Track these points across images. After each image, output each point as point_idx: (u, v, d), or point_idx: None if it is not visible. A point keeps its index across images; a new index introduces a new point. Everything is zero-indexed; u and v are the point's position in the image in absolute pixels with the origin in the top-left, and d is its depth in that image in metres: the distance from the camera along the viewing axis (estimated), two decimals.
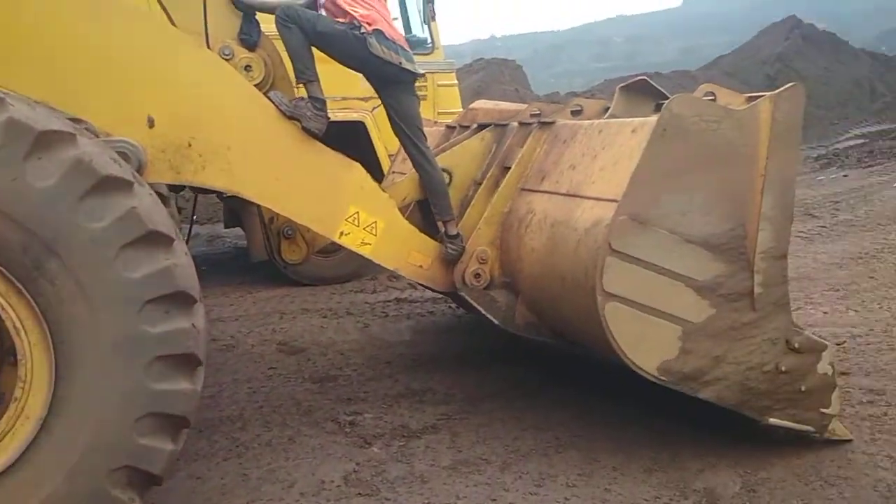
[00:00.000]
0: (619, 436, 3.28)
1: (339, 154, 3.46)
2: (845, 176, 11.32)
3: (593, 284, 2.78)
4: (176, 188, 5.12)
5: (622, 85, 3.63)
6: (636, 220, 2.77)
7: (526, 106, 4.31)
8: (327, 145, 3.47)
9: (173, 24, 3.48)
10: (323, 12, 3.58)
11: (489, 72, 18.06)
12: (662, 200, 2.80)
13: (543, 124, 3.60)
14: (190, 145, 3.12)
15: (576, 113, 3.91)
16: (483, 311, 3.54)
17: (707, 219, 2.85)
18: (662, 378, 2.85)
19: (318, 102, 3.40)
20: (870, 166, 11.85)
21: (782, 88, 2.89)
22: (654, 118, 2.90)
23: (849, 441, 3.08)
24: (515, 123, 3.85)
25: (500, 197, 3.56)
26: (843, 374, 3.75)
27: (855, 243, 7.06)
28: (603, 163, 3.03)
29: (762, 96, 2.92)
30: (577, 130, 3.35)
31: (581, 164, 3.18)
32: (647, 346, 2.83)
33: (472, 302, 3.57)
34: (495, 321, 3.53)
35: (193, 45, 3.25)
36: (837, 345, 4.27)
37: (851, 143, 14.76)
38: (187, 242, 3.58)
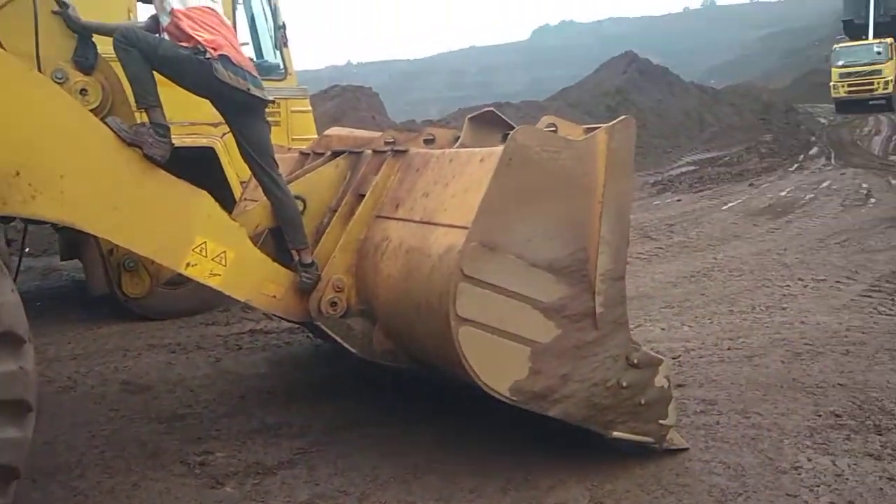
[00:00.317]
0: (476, 457, 3.34)
1: (184, 182, 3.33)
2: (678, 200, 12.25)
3: (447, 309, 2.83)
4: (5, 219, 4.74)
5: (471, 116, 3.75)
6: (486, 247, 2.85)
7: (380, 134, 4.34)
8: (173, 173, 3.34)
9: (1, 46, 3.25)
10: (165, 36, 3.46)
11: (346, 98, 18.10)
12: (510, 227, 2.90)
13: (397, 152, 3.65)
14: (18, 174, 2.91)
15: (428, 141, 3.99)
16: (340, 340, 3.51)
17: (551, 244, 2.99)
18: (514, 398, 2.94)
19: (161, 128, 3.28)
20: (700, 191, 12.89)
21: (616, 121, 3.09)
22: (500, 148, 3.02)
23: (686, 450, 3.30)
24: (370, 151, 3.87)
25: (356, 224, 3.56)
26: (679, 386, 4.02)
27: (688, 263, 7.63)
28: (454, 191, 3.12)
29: (598, 128, 3.11)
30: (429, 159, 3.42)
31: (433, 191, 3.24)
32: (498, 368, 2.91)
33: (328, 331, 3.53)
34: (353, 349, 3.51)
35: (21, 67, 3.03)
36: (673, 358, 4.58)
37: (683, 169, 16.02)
38: (16, 278, 3.32)
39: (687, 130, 20.52)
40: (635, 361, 3.19)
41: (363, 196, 3.64)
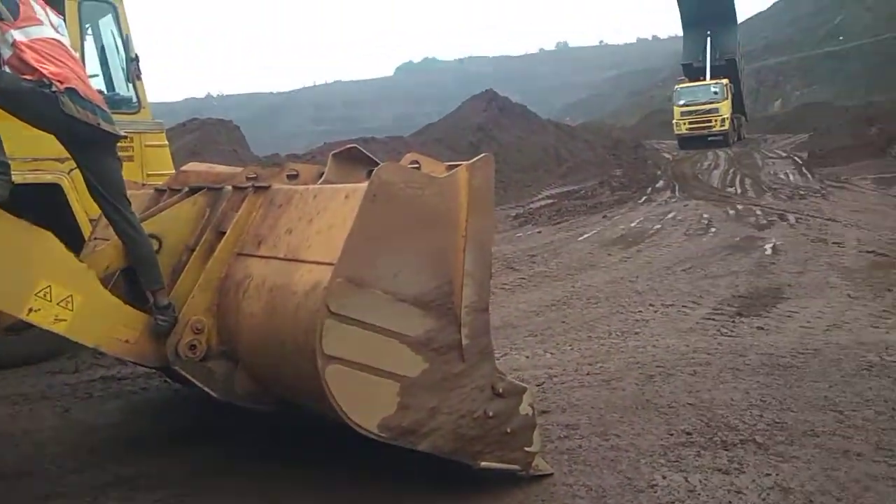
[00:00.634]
0: (346, 497, 3.28)
1: (24, 222, 3.12)
2: (539, 232, 12.73)
3: (313, 347, 2.79)
4: None
5: (335, 152, 3.76)
6: (352, 282, 2.85)
7: (241, 169, 4.25)
8: (15, 212, 3.12)
9: None
10: (7, 69, 3.24)
11: (205, 132, 17.58)
12: (376, 262, 2.92)
13: (259, 188, 3.58)
14: None
15: (292, 177, 3.95)
16: (201, 385, 3.37)
17: (417, 278, 3.03)
18: (383, 435, 2.92)
19: (0, 166, 3.05)
20: (558, 223, 13.46)
21: (476, 159, 3.19)
22: (364, 185, 3.04)
23: (550, 475, 3.40)
24: (230, 187, 3.78)
25: (216, 262, 3.45)
26: (543, 412, 4.15)
27: (549, 292, 7.92)
28: (319, 227, 3.10)
29: (460, 165, 3.20)
30: (293, 195, 3.39)
31: (298, 228, 3.21)
32: (367, 405, 2.89)
33: (187, 376, 3.38)
34: (214, 393, 3.38)
35: None
36: (537, 385, 4.73)
37: (543, 202, 16.68)
38: None
39: (545, 165, 21.47)
40: (500, 391, 3.26)
41: (223, 233, 3.54)
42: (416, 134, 20.69)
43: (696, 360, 5.19)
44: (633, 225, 12.55)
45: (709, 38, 34.77)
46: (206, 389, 3.37)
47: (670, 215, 13.63)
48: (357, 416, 2.87)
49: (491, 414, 3.18)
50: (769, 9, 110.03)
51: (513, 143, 16.75)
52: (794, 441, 3.73)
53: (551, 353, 5.60)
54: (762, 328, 6.10)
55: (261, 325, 3.14)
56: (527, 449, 3.32)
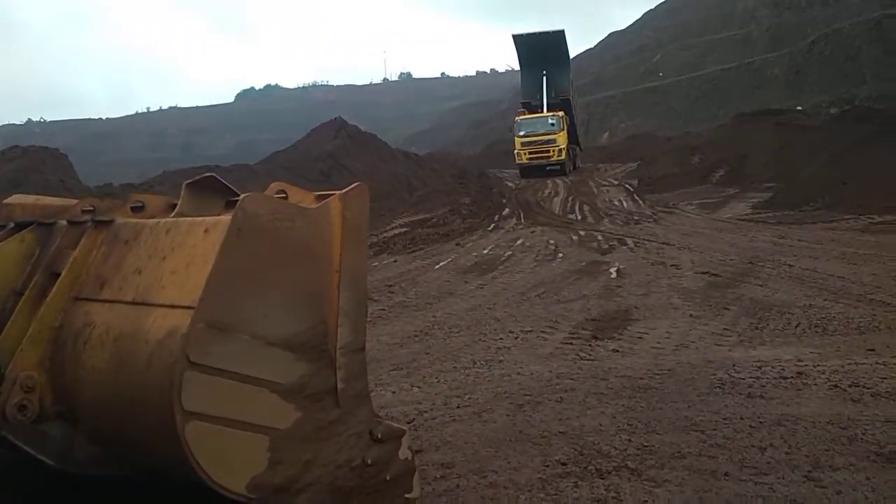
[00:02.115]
0: None
1: None
2: (395, 261, 12.62)
3: (170, 403, 2.46)
4: None
5: (189, 182, 3.42)
6: (215, 327, 2.55)
7: (76, 201, 3.79)
8: None
9: None
10: None
11: (28, 160, 16.09)
12: (242, 304, 2.64)
13: (100, 223, 3.18)
14: None
15: (137, 209, 3.56)
16: (33, 452, 2.90)
17: (288, 319, 2.78)
18: (252, 496, 2.63)
19: None
20: (413, 252, 13.43)
21: (349, 188, 3.00)
22: (227, 217, 2.76)
23: None
24: (64, 222, 3.34)
25: (49, 309, 3.01)
26: (417, 451, 3.97)
27: (410, 322, 7.80)
28: (174, 265, 2.77)
29: (332, 195, 2.99)
30: (141, 230, 3.03)
31: (148, 267, 2.86)
32: (233, 465, 2.59)
33: (16, 441, 2.90)
34: (49, 461, 2.92)
35: None
36: (408, 423, 4.55)
37: (397, 231, 16.64)
38: None
39: (397, 194, 21.50)
40: (379, 435, 3.05)
41: (58, 275, 3.11)
42: (264, 162, 20.04)
43: (561, 386, 5.24)
44: (485, 252, 12.75)
45: (545, 78, 36.71)
46: (39, 457, 2.91)
47: (519, 242, 14.00)
48: (222, 477, 2.56)
49: (370, 461, 2.97)
50: (595, 46, 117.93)
51: (364, 171, 16.63)
52: (665, 464, 3.79)
53: (418, 387, 5.46)
54: (617, 350, 6.29)
55: (106, 381, 2.76)
56: (407, 496, 3.12)
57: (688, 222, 16.13)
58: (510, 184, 29.55)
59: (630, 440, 4.14)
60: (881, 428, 4.12)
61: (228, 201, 3.54)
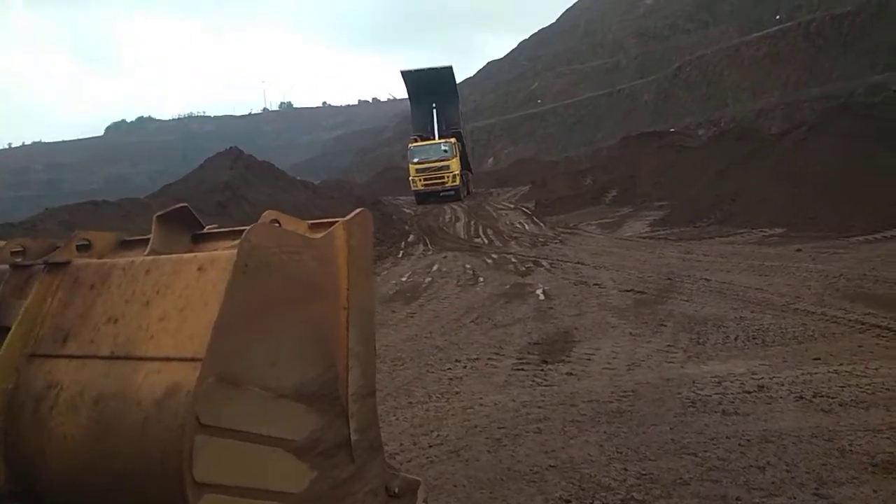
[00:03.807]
0: None
1: None
2: None
3: (179, 475, 2.05)
4: None
5: (160, 214, 2.97)
6: (226, 381, 2.16)
7: (2, 243, 3.26)
8: None
9: None
10: None
11: None
12: (251, 351, 2.26)
13: (54, 265, 2.69)
14: None
15: (83, 248, 3.07)
16: None
17: (298, 365, 2.41)
18: None
19: None
20: None
21: (353, 214, 2.68)
22: (225, 253, 2.39)
23: None
24: (5, 266, 2.82)
25: (0, 369, 2.50)
26: None
27: None
28: (163, 311, 2.35)
29: (334, 223, 2.66)
30: (109, 272, 2.57)
31: (128, 314, 2.42)
32: None
33: None
34: None
35: None
36: None
37: None
38: None
39: None
40: (395, 490, 2.73)
41: (5, 328, 2.59)
42: (155, 195, 18.90)
43: (533, 415, 5.02)
44: (403, 279, 12.46)
45: (435, 111, 37.11)
46: None
47: (435, 267, 13.79)
48: None
49: None
50: (475, 75, 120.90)
51: (264, 201, 15.90)
52: (671, 493, 3.64)
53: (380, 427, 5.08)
54: (571, 373, 6.15)
55: (84, 451, 2.29)
56: None
57: (593, 242, 16.44)
58: (408, 210, 29.40)
59: (626, 469, 3.96)
60: (864, 437, 4.14)
61: (195, 235, 3.13)
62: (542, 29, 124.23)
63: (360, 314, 2.64)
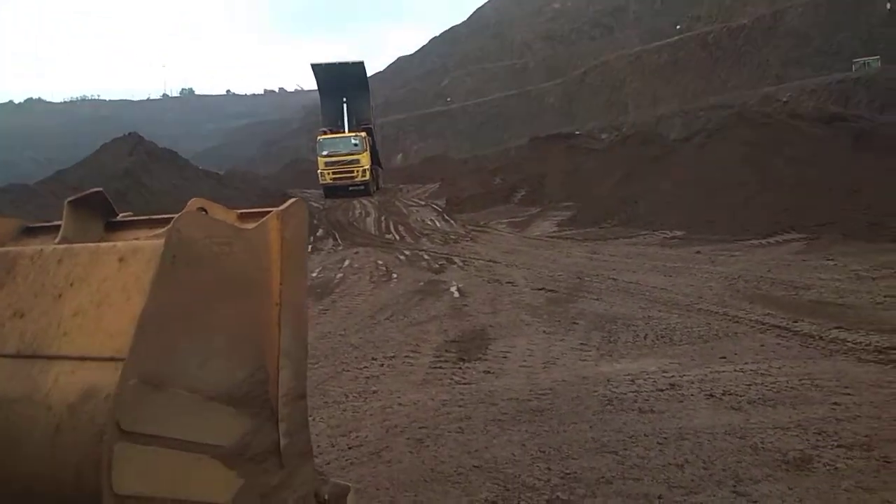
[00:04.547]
0: None
1: None
2: None
3: (95, 487, 1.87)
4: None
5: (72, 199, 2.71)
6: (150, 383, 1.99)
7: None
8: None
9: None
10: None
11: None
12: (177, 350, 2.09)
13: None
14: None
15: None
16: None
17: (228, 365, 2.25)
18: None
19: None
20: None
21: (288, 204, 2.53)
22: (148, 243, 2.21)
23: None
24: None
25: None
26: None
27: None
28: (77, 305, 2.14)
29: (267, 212, 2.50)
30: (14, 261, 2.33)
31: (36, 308, 2.19)
32: None
33: None
34: None
35: None
36: None
37: None
38: None
39: None
40: (326, 497, 2.61)
41: None
42: (47, 181, 17.74)
43: (453, 414, 4.97)
44: (314, 275, 12.17)
45: (345, 106, 36.70)
46: None
47: (346, 263, 13.57)
48: None
49: None
50: (384, 70, 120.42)
51: (166, 190, 15.20)
52: (596, 492, 3.66)
53: None
54: (489, 372, 6.14)
55: None
56: None
57: (503, 241, 16.60)
58: (316, 204, 28.85)
59: (549, 468, 3.96)
60: (774, 434, 4.30)
61: (108, 223, 2.90)
62: (454, 27, 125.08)
63: (293, 311, 2.49)
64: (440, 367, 6.31)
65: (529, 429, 4.58)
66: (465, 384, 5.77)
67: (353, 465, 4.19)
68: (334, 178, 33.05)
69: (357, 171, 32.89)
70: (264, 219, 2.45)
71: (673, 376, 5.62)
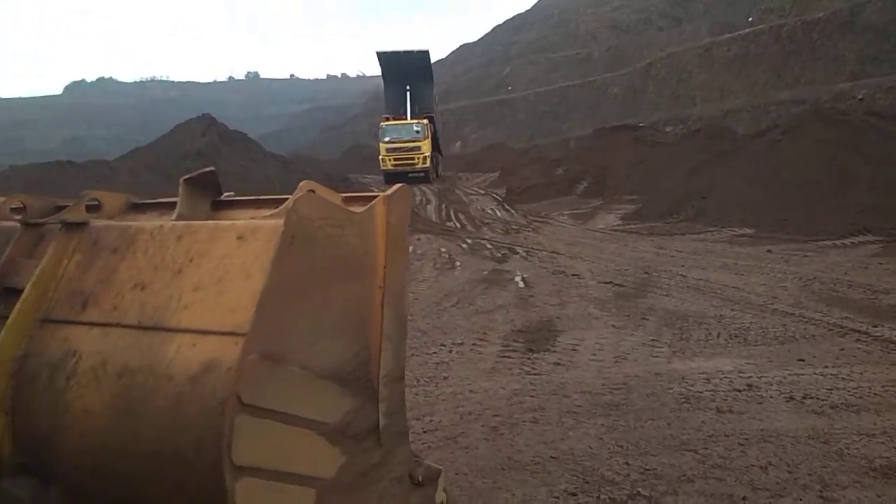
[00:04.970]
0: None
1: None
2: None
3: (216, 458, 1.93)
4: None
5: (188, 177, 2.80)
6: (269, 359, 2.04)
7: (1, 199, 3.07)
8: None
9: None
10: None
11: None
12: (293, 328, 2.14)
13: (71, 226, 2.52)
14: None
15: (93, 208, 2.89)
16: None
17: (335, 345, 2.30)
18: None
19: None
20: None
21: (393, 190, 2.56)
22: (267, 222, 2.26)
23: None
24: (14, 224, 2.64)
25: (10, 333, 2.32)
26: None
27: None
28: (197, 280, 2.21)
29: (373, 196, 2.54)
30: (135, 236, 2.41)
31: (156, 282, 2.27)
32: None
33: None
34: None
35: None
36: None
37: None
38: None
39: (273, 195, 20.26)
40: (420, 479, 2.65)
41: (16, 291, 2.42)
42: (123, 158, 18.30)
43: (526, 404, 4.97)
44: None
45: (409, 94, 36.82)
46: None
47: (409, 249, 13.66)
48: None
49: None
50: (446, 57, 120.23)
51: (237, 172, 15.48)
52: (677, 489, 3.61)
53: None
54: (559, 363, 6.11)
55: (105, 428, 2.14)
56: None
57: (566, 232, 16.47)
58: (376, 190, 29.10)
59: (628, 463, 3.93)
60: (859, 441, 4.17)
61: (215, 201, 2.98)
62: (517, 15, 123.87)
63: (395, 295, 2.53)
64: (509, 357, 6.31)
65: (605, 423, 4.55)
66: (535, 375, 5.76)
67: (430, 448, 4.22)
68: (395, 165, 33.24)
69: (418, 159, 33.02)
70: (372, 203, 2.49)
71: (750, 377, 5.50)
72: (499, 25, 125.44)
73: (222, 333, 2.06)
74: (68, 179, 12.93)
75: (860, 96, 42.51)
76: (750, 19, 66.12)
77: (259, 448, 2.02)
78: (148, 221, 2.52)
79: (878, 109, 25.95)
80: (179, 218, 2.60)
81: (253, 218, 2.50)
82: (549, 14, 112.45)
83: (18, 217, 2.84)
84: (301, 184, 2.62)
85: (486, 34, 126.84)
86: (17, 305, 2.35)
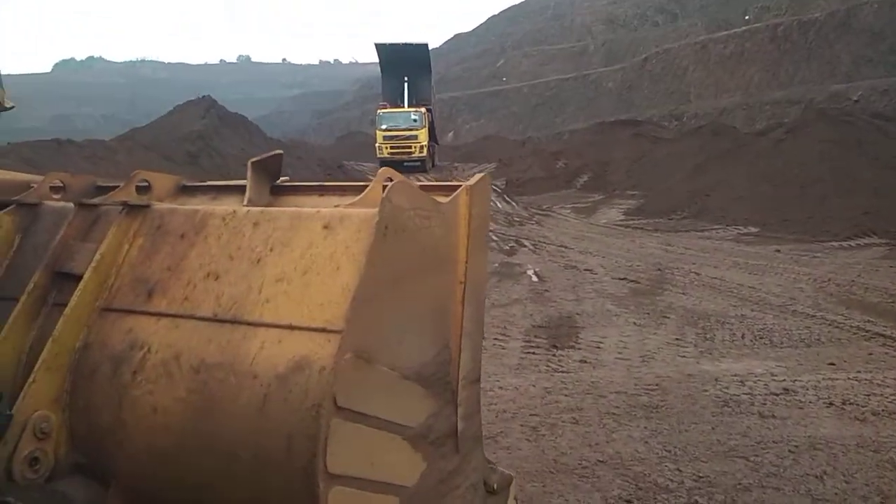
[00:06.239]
0: None
1: None
2: None
3: (309, 464, 1.77)
4: None
5: (255, 160, 2.61)
6: (362, 358, 1.87)
7: (40, 177, 2.88)
8: None
9: None
10: None
11: None
12: (384, 325, 1.97)
13: (133, 208, 2.33)
14: None
15: (142, 189, 2.70)
16: None
17: (420, 343, 2.13)
18: None
19: None
20: None
21: (476, 179, 2.39)
22: (354, 211, 2.09)
23: None
24: (68, 204, 2.45)
25: (69, 324, 2.14)
26: None
27: None
28: (280, 272, 2.03)
29: (456, 186, 2.37)
30: (206, 221, 2.23)
31: (233, 271, 2.09)
32: None
33: None
34: None
35: None
36: None
37: None
38: None
39: None
40: (494, 486, 2.49)
41: (72, 276, 2.24)
42: (122, 139, 17.94)
43: (562, 404, 4.83)
44: None
45: (406, 85, 36.52)
46: None
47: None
48: None
49: None
50: (440, 46, 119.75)
51: (235, 155, 15.22)
52: (735, 499, 3.49)
53: None
54: (585, 361, 5.99)
55: (179, 428, 1.97)
56: None
57: (570, 226, 16.34)
58: (372, 177, 28.84)
59: (679, 470, 3.80)
60: None
61: (274, 185, 2.80)
62: (513, 6, 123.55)
63: (475, 290, 2.36)
64: (533, 353, 6.18)
65: (648, 426, 4.42)
66: (563, 372, 5.62)
67: None
68: (392, 153, 32.96)
69: (415, 147, 32.78)
70: (456, 193, 2.31)
71: (784, 380, 5.39)
72: (494, 16, 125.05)
73: (311, 329, 1.89)
74: (68, 158, 12.65)
75: (855, 98, 42.66)
76: (747, 17, 66.18)
77: (352, 454, 1.86)
78: (217, 206, 2.34)
79: (880, 111, 26.01)
80: (250, 203, 2.42)
81: (337, 206, 2.31)
82: (544, 6, 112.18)
83: (57, 196, 2.66)
84: (380, 171, 2.46)
85: (481, 24, 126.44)
86: (77, 293, 2.16)
